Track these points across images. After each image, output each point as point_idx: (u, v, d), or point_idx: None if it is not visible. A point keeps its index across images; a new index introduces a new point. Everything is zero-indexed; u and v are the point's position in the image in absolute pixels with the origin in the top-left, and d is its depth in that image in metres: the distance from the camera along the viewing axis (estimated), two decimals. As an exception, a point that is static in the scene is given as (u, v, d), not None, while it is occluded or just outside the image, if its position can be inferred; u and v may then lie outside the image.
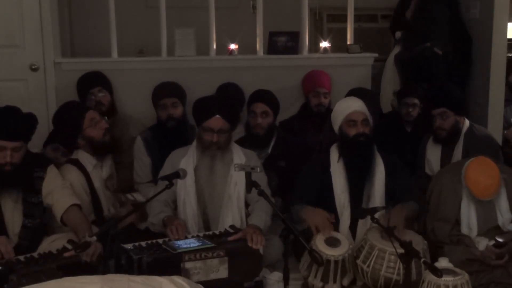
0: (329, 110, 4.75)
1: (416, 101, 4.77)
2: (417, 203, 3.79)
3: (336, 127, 3.83)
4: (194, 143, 3.79)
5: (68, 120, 3.95)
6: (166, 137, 4.34)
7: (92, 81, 4.57)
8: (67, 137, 3.98)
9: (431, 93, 4.43)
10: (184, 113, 4.44)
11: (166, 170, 3.71)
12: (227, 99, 4.07)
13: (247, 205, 3.77)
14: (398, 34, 5.53)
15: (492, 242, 3.53)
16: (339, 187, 3.75)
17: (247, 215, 3.73)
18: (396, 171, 3.82)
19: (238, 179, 3.68)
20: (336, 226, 3.68)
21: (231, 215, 3.69)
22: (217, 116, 3.65)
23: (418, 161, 4.47)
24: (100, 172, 3.93)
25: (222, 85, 4.84)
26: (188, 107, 4.52)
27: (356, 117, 3.73)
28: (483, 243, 3.54)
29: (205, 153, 3.72)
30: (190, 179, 3.67)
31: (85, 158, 3.86)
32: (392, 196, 3.76)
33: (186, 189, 3.69)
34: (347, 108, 3.78)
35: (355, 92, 4.49)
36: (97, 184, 3.87)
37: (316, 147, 4.67)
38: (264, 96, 4.45)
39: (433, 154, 4.34)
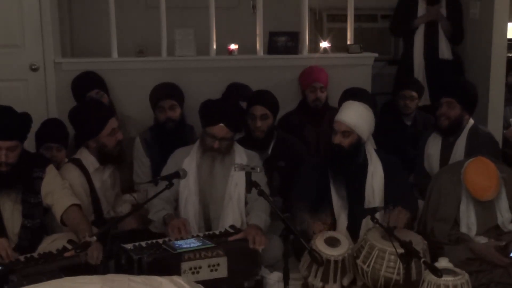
0: (326, 105, 4.75)
1: (414, 93, 4.77)
2: (413, 207, 3.79)
3: None
4: (197, 143, 3.79)
5: (89, 121, 3.81)
6: (165, 138, 4.33)
7: (88, 84, 4.53)
8: (80, 135, 3.96)
9: (445, 82, 4.41)
10: (182, 114, 4.43)
11: (170, 168, 3.71)
12: (233, 107, 3.93)
13: (246, 203, 3.77)
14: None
15: (492, 242, 3.53)
16: (336, 189, 3.76)
17: (246, 214, 3.73)
18: (395, 173, 3.81)
19: (238, 180, 3.68)
20: (334, 227, 3.69)
21: (231, 215, 3.70)
22: (221, 124, 3.64)
23: (418, 157, 4.46)
24: (102, 173, 3.91)
25: (230, 85, 4.81)
26: (187, 107, 4.52)
27: (337, 127, 3.74)
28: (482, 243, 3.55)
29: (206, 154, 3.72)
30: (192, 179, 3.68)
31: (88, 159, 3.84)
32: (389, 198, 3.75)
33: (188, 188, 3.70)
34: (338, 113, 3.80)
35: (349, 93, 4.43)
36: (97, 185, 3.85)
37: (314, 142, 4.68)
38: (263, 98, 4.39)
39: (433, 149, 4.33)
